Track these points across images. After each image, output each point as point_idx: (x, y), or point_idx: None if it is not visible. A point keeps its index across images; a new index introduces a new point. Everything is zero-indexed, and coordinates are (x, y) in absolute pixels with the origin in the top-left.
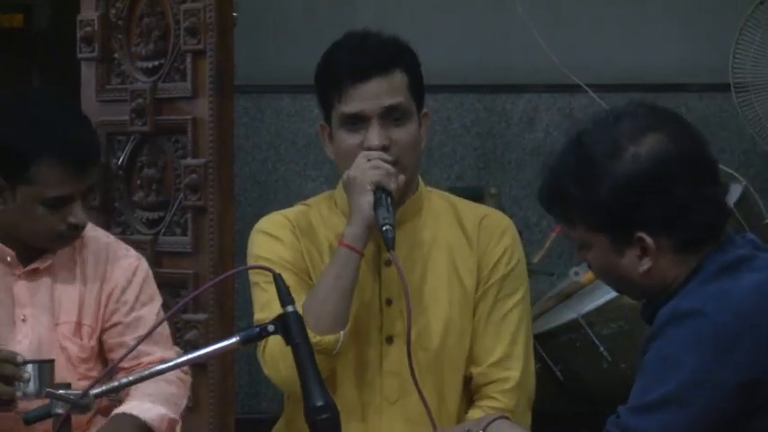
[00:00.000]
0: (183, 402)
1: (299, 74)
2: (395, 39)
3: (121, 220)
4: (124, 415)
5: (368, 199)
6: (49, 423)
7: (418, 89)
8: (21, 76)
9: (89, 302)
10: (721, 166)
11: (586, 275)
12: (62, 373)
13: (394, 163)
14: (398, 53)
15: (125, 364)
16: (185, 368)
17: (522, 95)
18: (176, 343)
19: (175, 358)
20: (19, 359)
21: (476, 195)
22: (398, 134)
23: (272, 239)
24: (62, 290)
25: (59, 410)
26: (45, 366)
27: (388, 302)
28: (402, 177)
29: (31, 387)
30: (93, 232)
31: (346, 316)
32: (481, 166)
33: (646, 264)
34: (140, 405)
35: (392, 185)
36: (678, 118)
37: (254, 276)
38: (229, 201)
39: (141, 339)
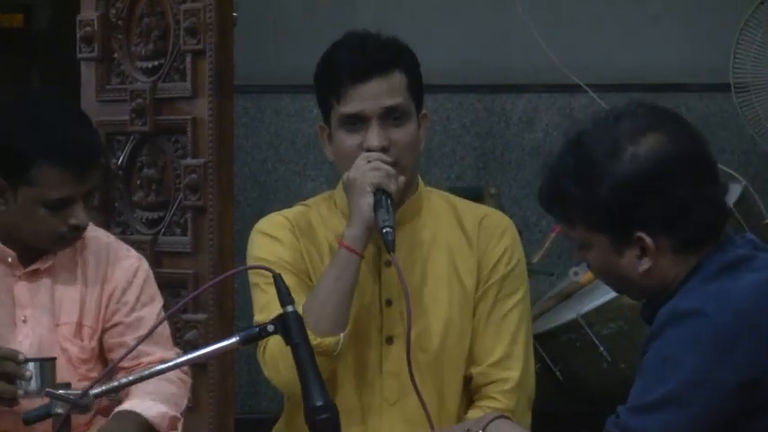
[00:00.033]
0: (184, 402)
1: (298, 74)
2: (394, 39)
3: (121, 220)
4: (127, 412)
5: (368, 200)
6: (48, 423)
7: (417, 90)
8: (21, 76)
9: (90, 303)
10: (721, 166)
11: (586, 275)
12: (63, 374)
13: (393, 164)
14: (398, 54)
15: (125, 364)
16: (185, 369)
17: (522, 95)
18: (176, 343)
19: (175, 358)
20: (20, 357)
21: (475, 195)
22: (398, 135)
23: (272, 240)
24: (63, 291)
25: (59, 410)
26: (46, 364)
27: (388, 303)
28: (402, 178)
29: (33, 385)
30: (94, 233)
31: (346, 318)
32: (481, 166)
33: (645, 264)
34: (142, 403)
35: (392, 187)
36: (678, 118)
37: (253, 277)
38: (229, 201)
39: (141, 339)
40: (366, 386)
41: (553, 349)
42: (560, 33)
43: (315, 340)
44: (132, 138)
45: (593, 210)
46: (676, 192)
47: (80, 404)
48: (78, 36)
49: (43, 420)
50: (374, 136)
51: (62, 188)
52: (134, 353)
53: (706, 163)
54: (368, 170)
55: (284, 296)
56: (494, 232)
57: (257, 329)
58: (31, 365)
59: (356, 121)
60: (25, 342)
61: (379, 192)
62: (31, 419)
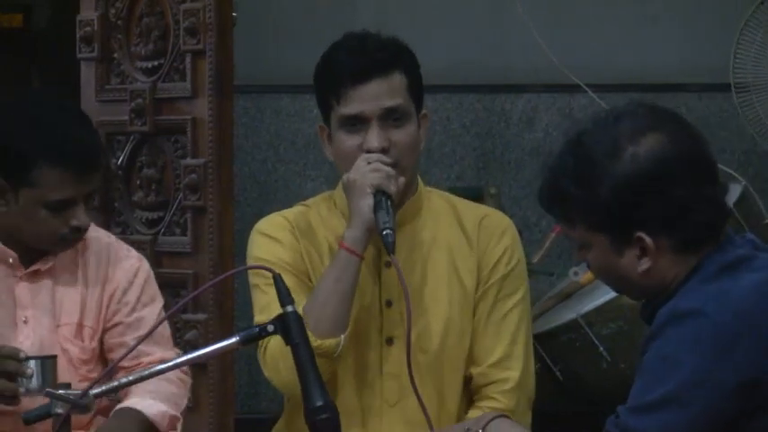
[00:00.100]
0: (184, 402)
1: (298, 74)
2: (394, 40)
3: (121, 220)
4: (128, 409)
5: (368, 202)
6: (49, 423)
7: (417, 90)
8: (20, 76)
9: (90, 304)
10: (721, 166)
11: (586, 275)
12: (63, 375)
13: (393, 165)
14: (398, 54)
15: (125, 364)
16: (185, 369)
17: (522, 95)
18: (176, 343)
19: (175, 358)
20: (21, 355)
21: (475, 195)
22: (398, 136)
23: (272, 241)
24: (63, 292)
25: (59, 410)
26: (48, 362)
27: (388, 304)
28: (402, 180)
29: (34, 383)
30: (95, 233)
31: (347, 319)
32: (481, 166)
33: (645, 264)
34: (142, 401)
35: (392, 188)
36: (678, 118)
37: (253, 278)
38: (229, 201)
39: (141, 339)
40: (366, 387)
41: (553, 349)
42: (560, 33)
43: (315, 342)
44: (132, 138)
45: (593, 210)
46: (676, 192)
47: (80, 404)
48: (78, 36)
49: (43, 420)
50: (374, 137)
51: (63, 189)
52: (134, 353)
53: (706, 163)
54: (368, 171)
55: (284, 296)
56: (494, 232)
57: (257, 329)
58: (32, 363)
59: (356, 122)
60: (26, 343)
61: (379, 193)
62: (31, 419)
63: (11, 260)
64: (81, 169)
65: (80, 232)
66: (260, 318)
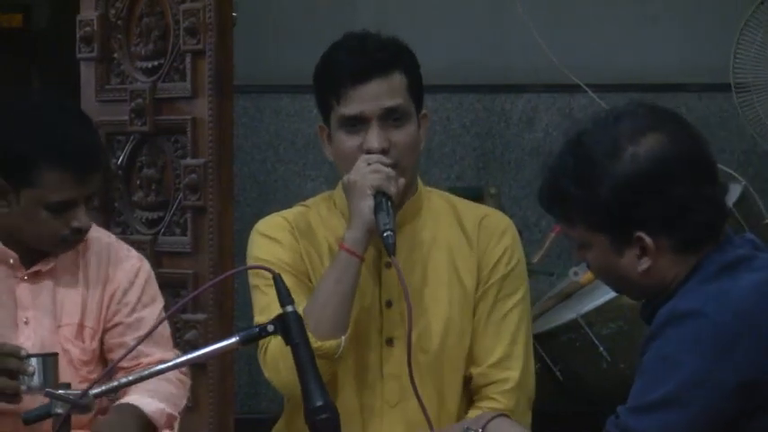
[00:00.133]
0: (182, 403)
1: (298, 74)
2: (394, 40)
3: (121, 220)
4: (127, 405)
5: (368, 203)
6: (49, 423)
7: (417, 90)
8: (20, 76)
9: (91, 305)
10: (721, 166)
11: (586, 275)
12: (64, 375)
13: (393, 165)
14: (398, 54)
15: (125, 364)
16: (185, 370)
17: (522, 95)
18: (176, 343)
19: (175, 359)
20: (23, 353)
21: (475, 195)
22: (398, 136)
23: (271, 241)
24: (64, 293)
25: (59, 410)
26: (49, 360)
27: (389, 304)
28: (402, 180)
29: (36, 381)
30: (96, 233)
31: (347, 321)
32: (481, 166)
33: (645, 263)
34: (141, 399)
35: (392, 189)
36: (678, 118)
37: (253, 279)
38: (229, 201)
39: (141, 339)
40: (367, 388)
41: (553, 349)
42: (560, 33)
43: (315, 343)
44: (132, 138)
45: (593, 210)
46: (676, 192)
47: (80, 404)
48: (78, 36)
49: (43, 420)
50: (374, 138)
51: (63, 190)
52: (134, 353)
53: (706, 163)
54: (368, 173)
55: (284, 296)
56: (494, 232)
57: (257, 329)
58: (33, 361)
59: (356, 123)
60: (27, 344)
61: (380, 194)
62: (31, 419)
63: (12, 261)
64: (81, 170)
65: (81, 233)
66: (260, 318)
